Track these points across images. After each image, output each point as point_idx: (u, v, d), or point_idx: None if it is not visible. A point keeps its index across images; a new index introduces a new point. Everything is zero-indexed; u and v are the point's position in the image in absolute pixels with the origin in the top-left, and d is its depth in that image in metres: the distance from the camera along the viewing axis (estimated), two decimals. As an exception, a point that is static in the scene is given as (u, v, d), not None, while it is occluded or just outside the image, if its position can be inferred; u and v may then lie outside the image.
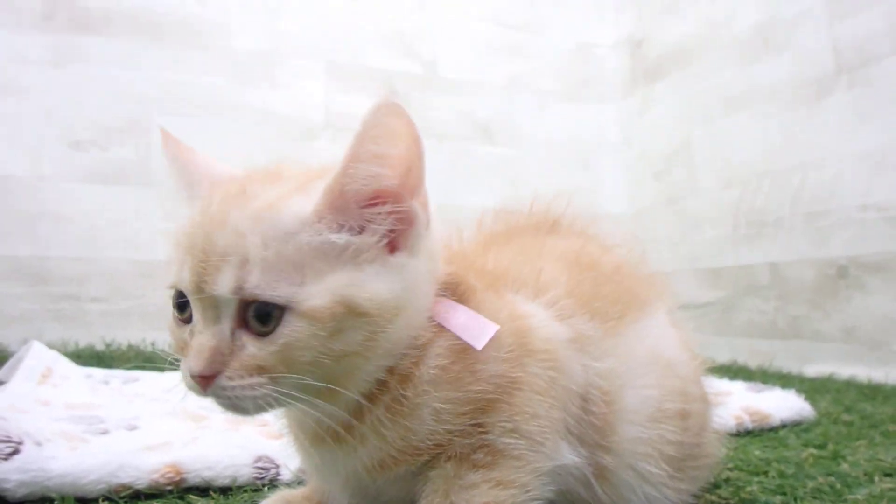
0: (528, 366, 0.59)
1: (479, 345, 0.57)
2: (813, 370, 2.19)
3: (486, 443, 0.58)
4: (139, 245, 2.54)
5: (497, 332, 0.58)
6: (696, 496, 0.80)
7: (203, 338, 0.52)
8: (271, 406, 0.53)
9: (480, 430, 0.57)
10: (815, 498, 0.84)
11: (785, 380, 1.92)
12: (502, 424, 0.58)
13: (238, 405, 0.52)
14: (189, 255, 0.53)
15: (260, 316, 0.51)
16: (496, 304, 0.62)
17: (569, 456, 0.62)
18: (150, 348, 2.29)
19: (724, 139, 2.68)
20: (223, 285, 0.51)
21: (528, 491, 0.59)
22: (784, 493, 0.86)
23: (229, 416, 1.29)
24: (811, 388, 1.78)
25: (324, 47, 2.89)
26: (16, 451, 0.78)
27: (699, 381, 0.75)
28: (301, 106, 2.81)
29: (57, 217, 2.45)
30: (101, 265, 2.49)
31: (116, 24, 2.58)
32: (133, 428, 1.07)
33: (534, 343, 0.61)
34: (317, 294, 0.51)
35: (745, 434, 1.27)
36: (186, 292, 0.53)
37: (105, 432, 1.03)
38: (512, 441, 0.58)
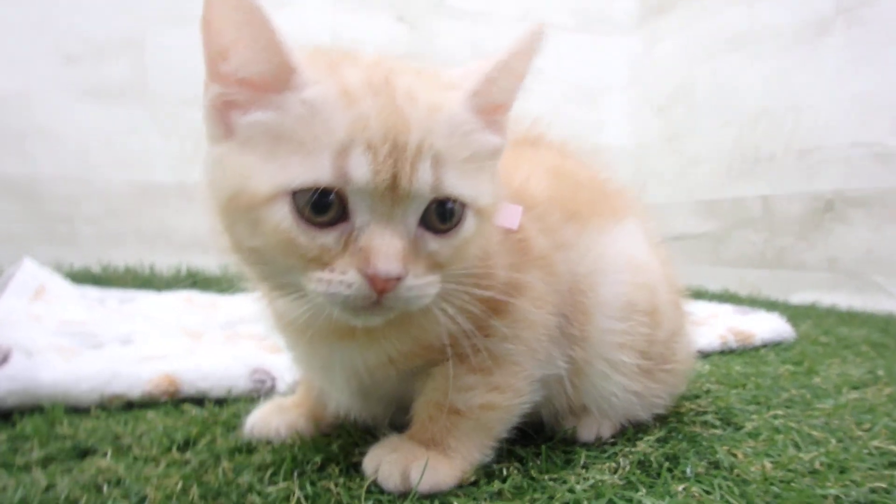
0: (529, 272, 0.63)
1: (516, 225, 0.61)
2: (797, 298, 2.26)
3: (486, 346, 0.60)
4: (135, 165, 2.47)
5: (504, 242, 0.61)
6: (676, 405, 0.84)
7: (390, 237, 0.48)
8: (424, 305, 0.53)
9: (484, 332, 0.60)
10: (787, 407, 0.88)
11: (771, 307, 1.97)
12: (504, 330, 0.60)
13: (409, 306, 0.51)
14: (368, 150, 0.47)
15: (442, 213, 0.51)
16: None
17: (560, 364, 0.66)
18: (147, 271, 2.30)
19: (726, 77, 2.68)
20: (424, 182, 0.49)
21: (520, 395, 0.63)
22: (759, 403, 0.90)
23: (227, 333, 1.31)
24: (795, 314, 1.83)
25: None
26: (4, 360, 0.78)
27: (670, 286, 0.77)
28: (306, 28, 2.62)
29: (47, 134, 2.36)
30: (95, 185, 2.43)
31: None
32: (128, 342, 1.09)
33: (532, 251, 0.64)
34: (485, 193, 0.54)
35: (728, 352, 1.32)
36: (364, 188, 0.48)
37: (98, 346, 1.05)
38: (511, 347, 0.61)
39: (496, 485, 0.58)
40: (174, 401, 0.84)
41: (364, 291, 0.48)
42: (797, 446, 0.72)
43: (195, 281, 2.12)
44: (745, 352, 1.32)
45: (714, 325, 1.36)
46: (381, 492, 0.56)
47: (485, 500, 0.56)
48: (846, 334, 1.53)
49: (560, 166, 0.75)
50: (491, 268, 0.59)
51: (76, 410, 0.79)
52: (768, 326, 1.43)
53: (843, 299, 2.12)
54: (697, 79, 2.85)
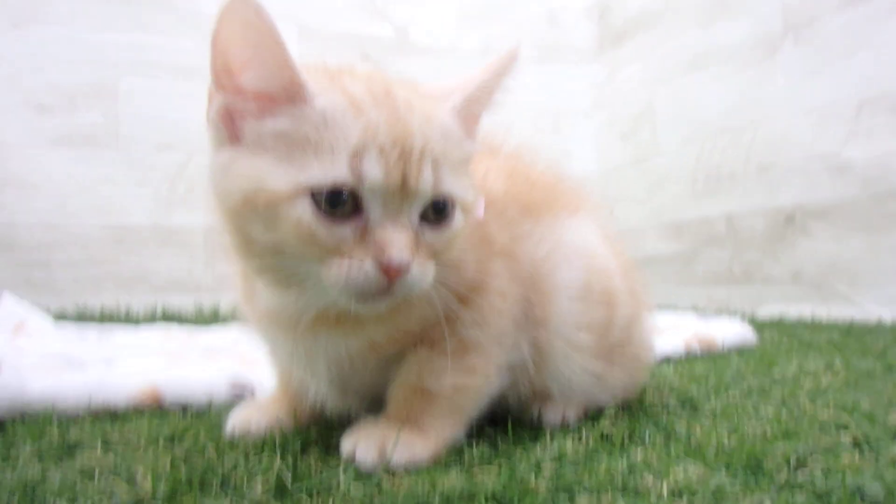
0: (494, 263, 0.69)
1: (480, 214, 0.68)
2: (765, 311, 2.33)
3: (457, 332, 0.66)
4: (110, 210, 2.50)
5: (471, 239, 0.67)
6: (638, 397, 0.89)
7: (401, 231, 0.56)
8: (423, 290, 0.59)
9: (456, 319, 0.65)
10: (746, 396, 0.94)
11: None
12: (472, 317, 0.66)
13: (412, 291, 0.58)
14: (381, 154, 0.55)
15: (437, 209, 0.59)
16: None
17: (525, 349, 0.72)
18: (124, 312, 2.30)
19: (685, 99, 2.80)
20: (427, 182, 0.57)
21: (489, 378, 0.69)
22: (718, 392, 0.95)
23: (206, 354, 1.32)
24: (760, 326, 1.90)
25: (295, 11, 2.80)
26: (-8, 372, 0.80)
27: (626, 275, 0.83)
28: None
29: (23, 183, 2.38)
30: (72, 231, 2.45)
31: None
32: (110, 362, 1.11)
33: (495, 244, 0.71)
34: (468, 190, 0.62)
35: (693, 358, 1.37)
36: (377, 188, 0.55)
37: (82, 365, 1.07)
38: (480, 332, 0.67)
39: (467, 456, 0.62)
40: (158, 409, 0.86)
41: (378, 278, 0.55)
42: (752, 420, 0.77)
43: (171, 320, 2.12)
44: (710, 356, 1.38)
45: (678, 331, 1.42)
46: (360, 467, 0.59)
47: (456, 469, 0.59)
48: (808, 338, 1.60)
49: (514, 167, 0.82)
50: (462, 260, 0.65)
51: (64, 419, 0.80)
52: (731, 331, 1.49)
53: (809, 310, 2.18)
54: (659, 102, 2.95)
